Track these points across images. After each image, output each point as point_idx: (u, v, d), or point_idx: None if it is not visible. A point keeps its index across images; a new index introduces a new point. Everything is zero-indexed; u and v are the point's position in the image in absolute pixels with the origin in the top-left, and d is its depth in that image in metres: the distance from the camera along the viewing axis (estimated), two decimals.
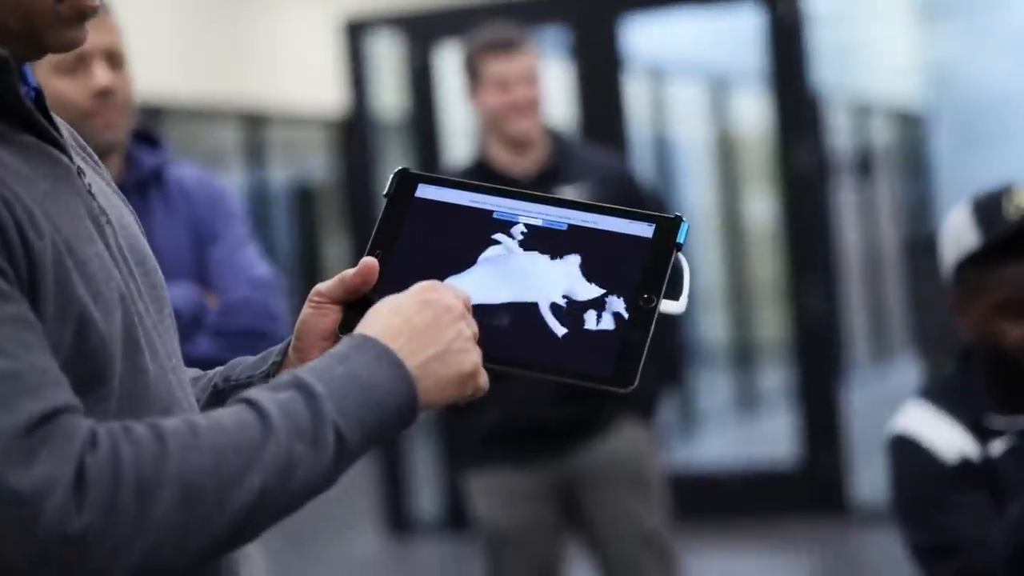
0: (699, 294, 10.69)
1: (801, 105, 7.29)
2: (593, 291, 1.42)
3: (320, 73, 10.36)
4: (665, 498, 4.09)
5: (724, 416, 10.29)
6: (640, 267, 1.41)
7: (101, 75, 2.72)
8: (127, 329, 1.37)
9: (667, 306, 1.41)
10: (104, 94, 2.72)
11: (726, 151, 10.96)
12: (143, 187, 2.86)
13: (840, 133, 11.85)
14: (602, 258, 1.42)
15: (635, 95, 8.26)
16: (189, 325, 2.69)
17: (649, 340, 1.40)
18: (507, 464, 3.96)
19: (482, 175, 4.01)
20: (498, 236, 1.46)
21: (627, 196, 4.07)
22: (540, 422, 3.89)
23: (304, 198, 12.03)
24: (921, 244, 8.50)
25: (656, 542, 4.01)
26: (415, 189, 1.52)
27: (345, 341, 1.38)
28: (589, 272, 1.43)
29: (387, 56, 8.10)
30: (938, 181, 12.14)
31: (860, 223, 12.07)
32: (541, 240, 1.45)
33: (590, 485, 3.99)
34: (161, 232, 2.80)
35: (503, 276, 1.45)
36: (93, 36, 2.64)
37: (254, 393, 1.32)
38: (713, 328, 11.06)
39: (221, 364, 1.61)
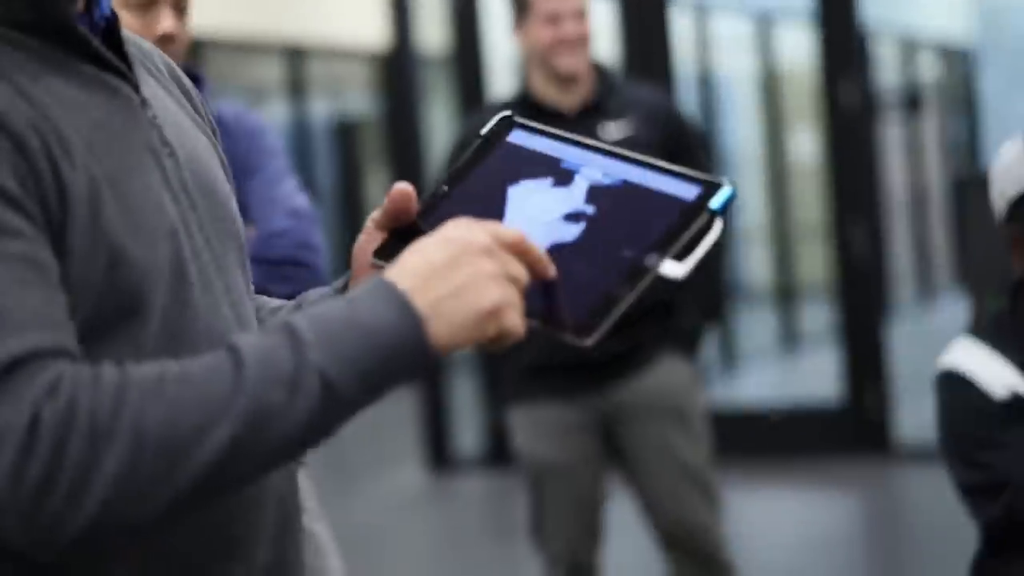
0: (742, 232, 10.65)
1: (848, 41, 7.22)
2: (607, 243, 1.37)
3: (363, 7, 10.32)
4: (707, 434, 4.09)
5: (767, 355, 10.27)
6: (664, 226, 1.35)
7: (167, 21, 2.75)
8: (175, 264, 1.35)
9: (667, 267, 1.33)
10: (166, 40, 2.76)
11: (771, 87, 10.88)
12: None
13: (887, 69, 11.75)
14: (639, 213, 1.38)
15: (680, 31, 8.20)
16: None
17: (631, 299, 1.33)
18: (549, 398, 3.97)
19: (526, 109, 3.99)
20: (549, 179, 1.44)
21: (671, 132, 4.05)
22: (582, 356, 3.88)
23: (345, 133, 12.02)
24: (969, 181, 8.43)
25: (698, 476, 4.01)
26: (509, 134, 1.48)
27: (363, 283, 1.33)
28: (618, 225, 1.38)
29: None
30: (986, 118, 12.02)
31: (906, 160, 11.99)
32: (593, 190, 1.41)
33: (632, 419, 3.99)
34: None
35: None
36: None
37: (242, 338, 1.28)
38: (756, 266, 11.03)
39: (259, 292, 1.60)
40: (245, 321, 1.46)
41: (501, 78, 8.04)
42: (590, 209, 1.39)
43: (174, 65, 1.56)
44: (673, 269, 1.33)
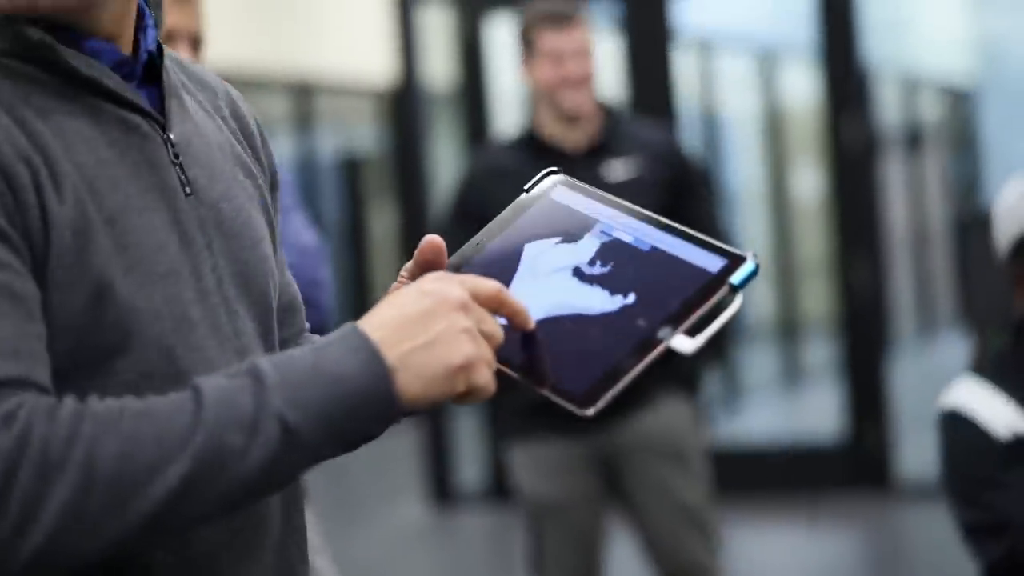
0: None
1: (850, 79, 7.26)
2: (617, 308, 1.35)
3: (369, 43, 10.37)
4: (707, 473, 4.09)
5: (769, 390, 10.28)
6: (683, 298, 1.33)
7: (183, 55, 2.79)
8: (173, 304, 1.35)
9: (677, 342, 1.32)
10: None
11: (775, 125, 10.92)
12: None
13: (889, 108, 11.79)
14: (661, 281, 1.36)
15: (684, 68, 8.24)
16: None
17: (638, 372, 1.31)
18: (550, 436, 3.97)
19: (532, 147, 4.01)
20: (578, 242, 1.42)
21: (676, 171, 4.07)
22: None
23: (351, 168, 12.05)
24: (971, 219, 8.46)
25: (697, 517, 4.01)
26: (552, 190, 1.48)
27: (336, 331, 1.32)
28: (639, 292, 1.36)
29: (437, 27, 8.10)
30: (987, 157, 12.06)
31: (908, 198, 12.01)
32: (617, 253, 1.39)
33: (632, 459, 3.99)
34: None
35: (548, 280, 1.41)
36: (182, 17, 2.71)
37: (207, 379, 1.28)
38: (760, 302, 11.04)
39: None
40: None
41: (507, 115, 8.08)
42: (615, 273, 1.38)
43: (240, 106, 1.57)
44: (684, 344, 1.32)
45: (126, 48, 1.42)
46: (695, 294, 1.33)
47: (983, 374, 2.69)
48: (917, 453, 6.87)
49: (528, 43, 4.01)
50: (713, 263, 1.35)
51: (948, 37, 13.29)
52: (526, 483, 4.03)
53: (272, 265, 1.51)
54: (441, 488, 7.81)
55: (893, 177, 11.35)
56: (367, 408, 1.28)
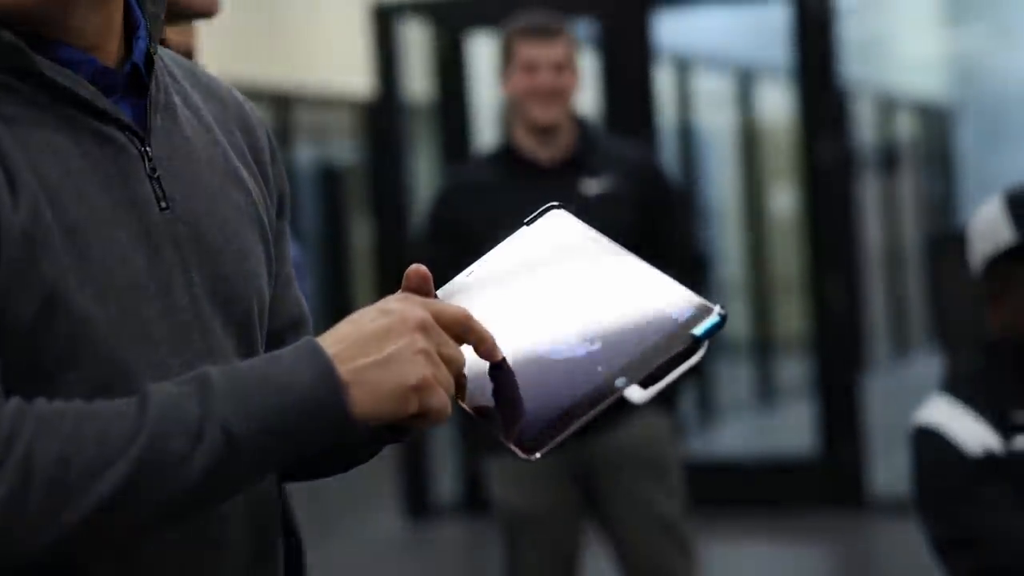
0: (721, 285, 10.71)
1: (827, 98, 7.31)
2: (583, 353, 1.34)
3: (349, 56, 10.39)
4: (683, 487, 4.10)
5: (743, 407, 10.32)
6: (643, 347, 1.31)
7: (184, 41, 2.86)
8: (133, 320, 1.33)
9: (630, 392, 1.29)
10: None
11: (751, 143, 10.97)
12: None
13: (865, 127, 11.85)
14: (629, 327, 1.34)
15: (662, 86, 8.28)
16: None
17: (587, 419, 1.30)
18: None
19: (508, 160, 4.03)
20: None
21: (650, 189, 4.07)
22: None
23: (331, 180, 12.06)
24: (944, 238, 8.51)
25: (673, 530, 4.02)
26: (551, 225, 1.46)
27: (294, 344, 1.31)
28: (607, 339, 1.34)
29: (416, 41, 8.14)
30: (962, 177, 12.12)
31: (882, 218, 12.06)
32: (596, 293, 1.38)
33: (608, 472, 3.99)
34: None
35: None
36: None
37: (156, 385, 1.26)
38: (734, 319, 11.09)
39: None
40: None
41: (485, 128, 8.11)
42: (590, 314, 1.36)
43: (252, 120, 1.55)
44: (636, 394, 1.29)
45: (108, 59, 1.39)
46: (657, 343, 1.31)
47: (955, 392, 2.72)
48: (890, 470, 6.91)
49: (508, 53, 4.03)
50: (682, 312, 1.33)
51: (924, 57, 13.35)
52: (501, 495, 4.02)
53: (261, 283, 1.48)
54: (417, 500, 7.82)
55: (868, 196, 11.40)
56: (316, 420, 1.27)
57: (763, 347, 10.81)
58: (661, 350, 1.30)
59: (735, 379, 10.44)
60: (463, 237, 3.88)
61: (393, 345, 1.28)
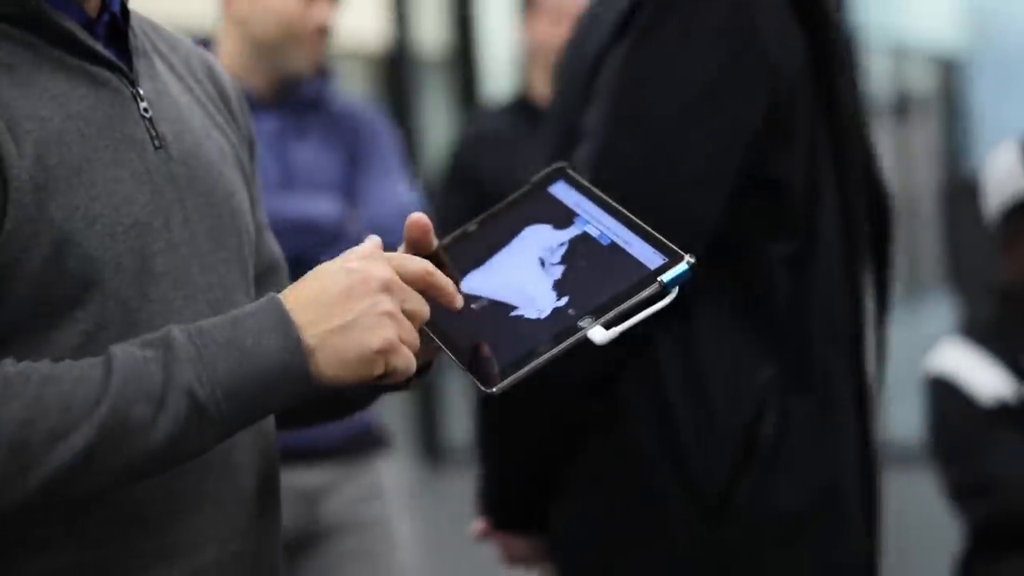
0: None
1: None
2: (555, 299, 1.37)
3: (361, 8, 10.37)
4: None
5: None
6: (614, 291, 1.34)
7: (325, 13, 2.90)
8: (138, 256, 1.35)
9: (593, 332, 1.32)
10: (322, 30, 2.89)
11: None
12: (300, 110, 2.98)
13: (877, 77, 11.81)
14: (605, 274, 1.37)
15: None
16: (332, 234, 2.80)
17: (550, 357, 1.32)
18: None
19: (523, 111, 4.01)
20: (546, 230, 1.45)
21: None
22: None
23: None
24: (959, 187, 8.50)
25: None
26: (553, 184, 1.49)
27: (260, 300, 1.32)
28: (582, 283, 1.37)
29: None
30: (976, 126, 12.10)
31: (896, 166, 12.04)
32: (580, 247, 1.41)
33: None
34: (316, 151, 2.95)
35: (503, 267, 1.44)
36: None
37: (123, 346, 1.27)
38: None
39: None
40: None
41: (498, 80, 8.10)
42: (568, 268, 1.39)
43: (216, 69, 1.57)
44: (598, 334, 1.31)
45: (91, 10, 1.41)
46: (626, 288, 1.33)
47: (969, 337, 2.73)
48: (904, 415, 6.92)
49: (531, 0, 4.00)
50: (654, 259, 1.35)
51: (937, 6, 13.31)
52: None
53: (248, 220, 1.50)
54: (429, 446, 7.85)
55: (882, 144, 11.38)
56: (280, 387, 1.28)
57: None
58: (628, 294, 1.33)
59: None
60: (479, 186, 3.88)
61: (357, 308, 1.29)
